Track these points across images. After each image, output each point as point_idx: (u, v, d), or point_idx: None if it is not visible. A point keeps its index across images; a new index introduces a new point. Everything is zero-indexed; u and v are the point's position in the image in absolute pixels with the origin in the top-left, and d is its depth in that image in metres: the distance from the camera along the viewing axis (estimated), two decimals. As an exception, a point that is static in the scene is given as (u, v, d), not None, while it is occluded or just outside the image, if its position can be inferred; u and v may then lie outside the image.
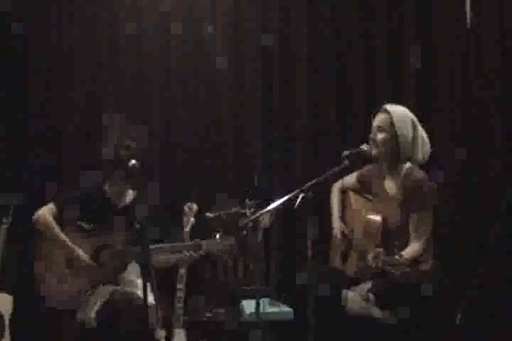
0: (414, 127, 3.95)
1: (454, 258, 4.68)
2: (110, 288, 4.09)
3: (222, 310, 4.46)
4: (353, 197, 4.19)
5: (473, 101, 4.92)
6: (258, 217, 3.80)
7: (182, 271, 4.22)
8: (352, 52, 5.07)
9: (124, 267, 4.10)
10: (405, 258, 3.65)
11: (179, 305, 4.18)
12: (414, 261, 3.80)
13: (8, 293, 4.47)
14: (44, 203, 4.23)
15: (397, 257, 3.63)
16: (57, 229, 4.14)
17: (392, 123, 3.93)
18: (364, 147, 3.89)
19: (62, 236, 4.12)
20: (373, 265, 3.66)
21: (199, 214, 4.31)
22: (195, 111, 5.15)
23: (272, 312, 4.38)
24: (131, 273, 4.16)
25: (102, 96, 5.16)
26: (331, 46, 5.10)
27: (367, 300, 3.84)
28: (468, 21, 4.91)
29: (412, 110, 4.02)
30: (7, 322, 4.42)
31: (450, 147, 4.88)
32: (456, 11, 4.96)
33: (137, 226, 3.43)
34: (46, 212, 4.16)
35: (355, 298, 3.88)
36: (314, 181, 3.58)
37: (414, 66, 4.96)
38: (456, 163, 4.87)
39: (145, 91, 5.15)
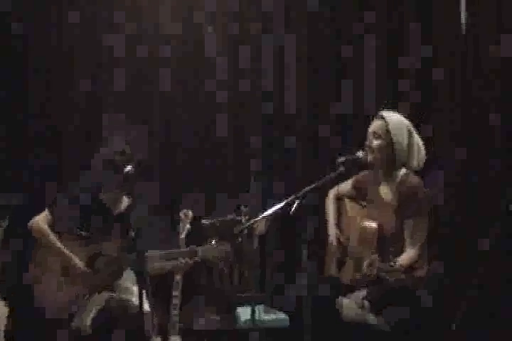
0: (410, 134, 3.94)
1: (454, 258, 4.68)
2: (106, 295, 4.05)
3: (217, 318, 4.45)
4: (348, 204, 4.18)
5: (473, 101, 4.92)
6: (253, 224, 3.78)
7: (178, 277, 4.22)
8: (352, 52, 5.07)
9: (120, 273, 4.06)
10: (400, 265, 3.65)
11: (175, 312, 4.18)
12: (410, 268, 3.79)
13: (3, 296, 4.42)
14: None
15: (391, 264, 3.63)
16: (52, 236, 4.10)
17: (388, 130, 3.91)
18: (359, 154, 3.89)
19: (58, 244, 4.08)
20: (368, 273, 3.67)
21: (195, 221, 4.31)
22: (195, 111, 5.15)
23: (268, 320, 4.38)
24: (126, 280, 4.12)
25: (102, 96, 5.16)
26: (331, 46, 5.10)
27: (362, 307, 3.83)
28: (463, 22, 4.91)
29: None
30: (2, 334, 4.34)
31: (450, 147, 4.88)
32: (456, 11, 4.95)
33: (132, 233, 3.42)
34: (40, 220, 4.13)
35: (350, 305, 3.87)
36: (309, 187, 3.56)
37: (414, 66, 4.97)
38: (456, 163, 4.87)
39: (145, 91, 5.15)
